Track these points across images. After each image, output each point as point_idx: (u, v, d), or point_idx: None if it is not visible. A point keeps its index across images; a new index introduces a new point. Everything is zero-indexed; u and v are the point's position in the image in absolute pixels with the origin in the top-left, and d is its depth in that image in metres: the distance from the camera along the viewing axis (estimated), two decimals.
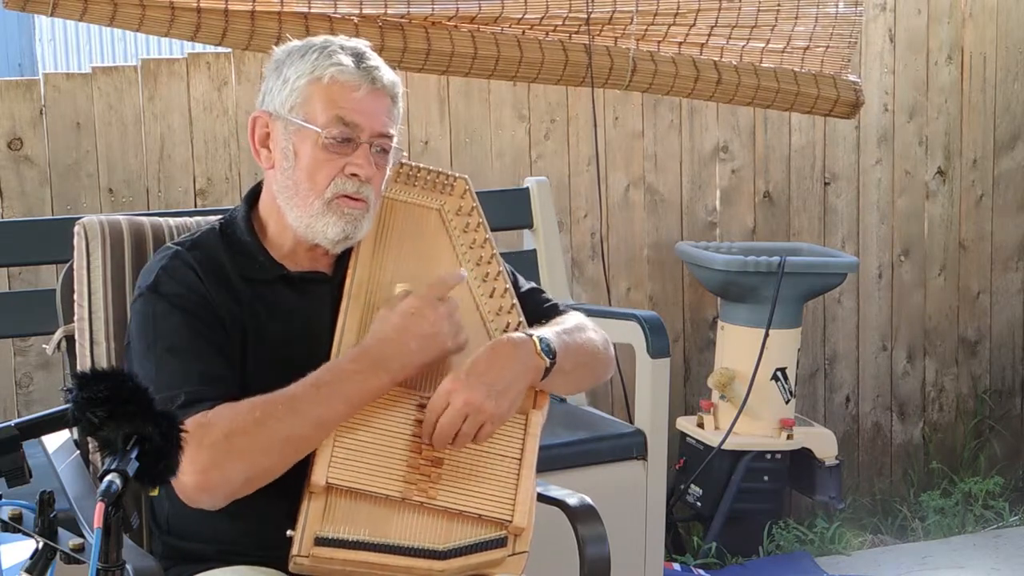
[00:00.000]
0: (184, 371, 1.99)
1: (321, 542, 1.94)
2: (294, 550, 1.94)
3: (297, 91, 2.07)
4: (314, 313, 2.12)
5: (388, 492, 1.98)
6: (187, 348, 2.02)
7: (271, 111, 2.11)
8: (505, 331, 2.15)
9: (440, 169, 2.26)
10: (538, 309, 2.24)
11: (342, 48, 2.09)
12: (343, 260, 2.16)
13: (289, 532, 1.95)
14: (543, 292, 2.33)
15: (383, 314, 2.06)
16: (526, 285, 2.29)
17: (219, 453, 1.92)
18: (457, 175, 2.26)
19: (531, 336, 2.08)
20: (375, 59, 2.11)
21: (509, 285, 2.20)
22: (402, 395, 2.05)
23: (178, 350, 2.01)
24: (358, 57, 2.09)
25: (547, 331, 2.12)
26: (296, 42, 2.14)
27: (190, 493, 1.94)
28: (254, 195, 2.21)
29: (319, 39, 2.12)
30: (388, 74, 2.11)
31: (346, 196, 2.07)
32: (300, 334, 2.10)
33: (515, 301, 2.19)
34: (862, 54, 4.44)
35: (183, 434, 1.49)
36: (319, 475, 1.95)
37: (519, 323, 2.17)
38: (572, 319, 2.23)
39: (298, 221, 2.09)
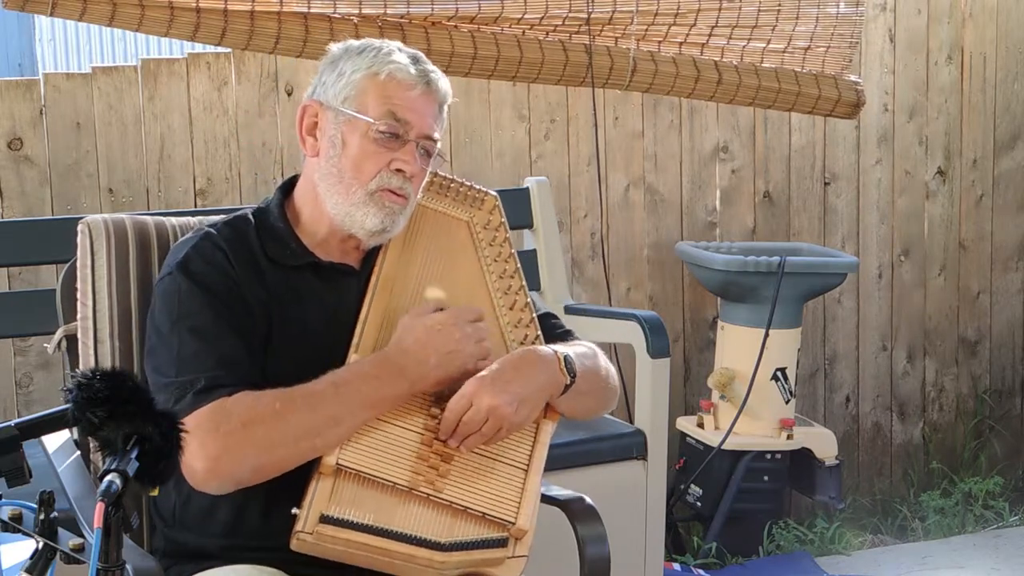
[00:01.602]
0: (205, 353, 2.02)
1: (326, 520, 1.95)
2: (298, 526, 1.95)
3: (352, 84, 2.12)
4: (339, 303, 2.15)
5: (396, 481, 2.00)
6: (209, 329, 2.05)
7: (323, 101, 2.15)
8: (523, 343, 2.19)
9: (472, 183, 2.32)
10: (551, 334, 2.28)
11: (400, 50, 2.16)
12: (371, 257, 2.20)
13: (295, 510, 1.96)
14: (556, 318, 2.37)
15: (408, 323, 2.09)
16: (542, 309, 2.33)
17: (233, 441, 1.95)
18: (488, 191, 2.32)
19: (556, 352, 2.14)
20: (431, 65, 2.17)
21: (529, 300, 2.25)
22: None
23: (200, 330, 2.04)
24: (415, 59, 2.16)
25: (569, 350, 2.18)
26: (354, 41, 2.19)
27: (200, 478, 1.96)
28: (289, 185, 2.25)
29: (378, 41, 2.18)
30: (443, 80, 2.17)
31: (389, 190, 2.11)
32: (324, 322, 2.13)
33: (534, 315, 2.23)
34: (862, 54, 4.44)
35: (185, 433, 1.50)
36: (330, 456, 1.98)
37: (537, 336, 2.21)
38: (587, 348, 2.27)
39: (336, 208, 2.13)
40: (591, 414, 2.33)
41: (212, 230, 2.17)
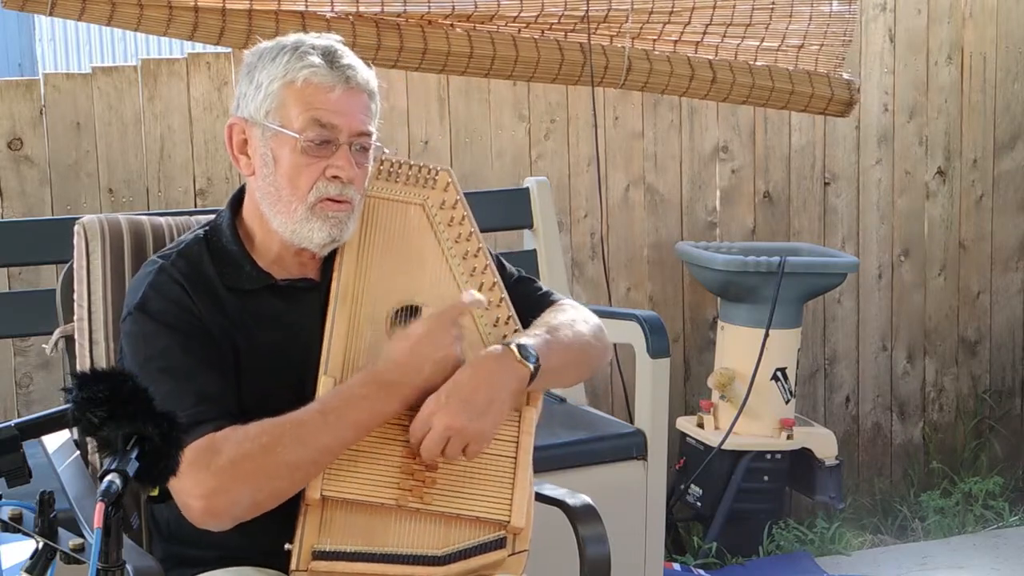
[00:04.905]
0: (179, 392, 1.95)
1: (319, 556, 1.93)
2: (292, 564, 1.93)
3: (271, 96, 2.04)
4: (303, 321, 2.09)
5: (383, 500, 1.97)
6: (180, 368, 1.99)
7: (247, 117, 2.07)
8: (496, 326, 2.13)
9: (421, 163, 2.23)
10: (530, 298, 2.21)
11: (314, 48, 2.05)
12: (330, 264, 2.13)
13: (287, 545, 1.94)
14: (535, 281, 2.29)
15: (395, 341, 2.01)
16: (516, 274, 2.26)
17: (226, 479, 1.90)
18: (439, 167, 2.23)
19: (509, 345, 2.03)
20: (348, 56, 2.07)
21: (498, 279, 2.17)
22: None
23: (171, 370, 1.99)
24: (330, 56, 2.04)
25: (528, 335, 2.08)
26: (266, 43, 2.09)
27: (197, 517, 1.92)
28: (237, 200, 2.17)
29: (291, 39, 2.08)
30: (363, 71, 2.07)
31: (329, 199, 2.04)
32: (291, 343, 2.08)
33: (504, 295, 2.16)
34: (862, 54, 4.44)
35: (185, 453, 1.49)
36: (313, 488, 1.94)
37: (510, 317, 2.14)
38: (562, 312, 2.19)
39: (283, 227, 2.07)
40: (580, 380, 2.26)
41: (166, 263, 2.09)
